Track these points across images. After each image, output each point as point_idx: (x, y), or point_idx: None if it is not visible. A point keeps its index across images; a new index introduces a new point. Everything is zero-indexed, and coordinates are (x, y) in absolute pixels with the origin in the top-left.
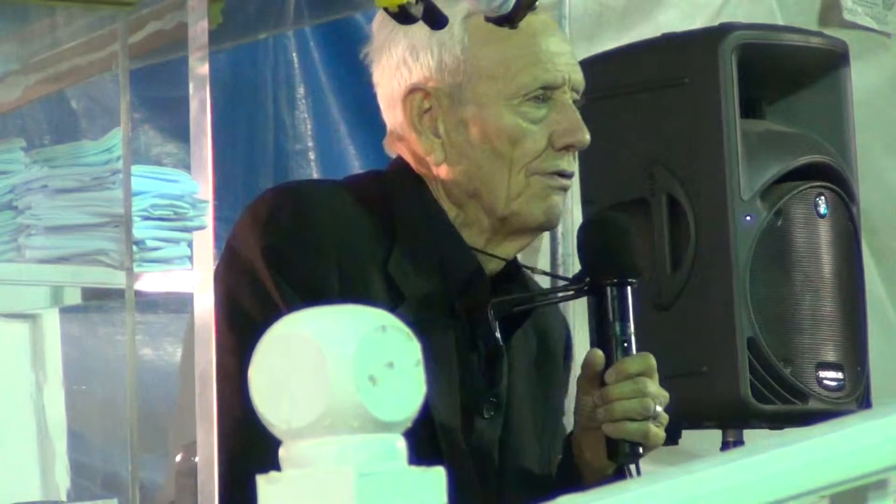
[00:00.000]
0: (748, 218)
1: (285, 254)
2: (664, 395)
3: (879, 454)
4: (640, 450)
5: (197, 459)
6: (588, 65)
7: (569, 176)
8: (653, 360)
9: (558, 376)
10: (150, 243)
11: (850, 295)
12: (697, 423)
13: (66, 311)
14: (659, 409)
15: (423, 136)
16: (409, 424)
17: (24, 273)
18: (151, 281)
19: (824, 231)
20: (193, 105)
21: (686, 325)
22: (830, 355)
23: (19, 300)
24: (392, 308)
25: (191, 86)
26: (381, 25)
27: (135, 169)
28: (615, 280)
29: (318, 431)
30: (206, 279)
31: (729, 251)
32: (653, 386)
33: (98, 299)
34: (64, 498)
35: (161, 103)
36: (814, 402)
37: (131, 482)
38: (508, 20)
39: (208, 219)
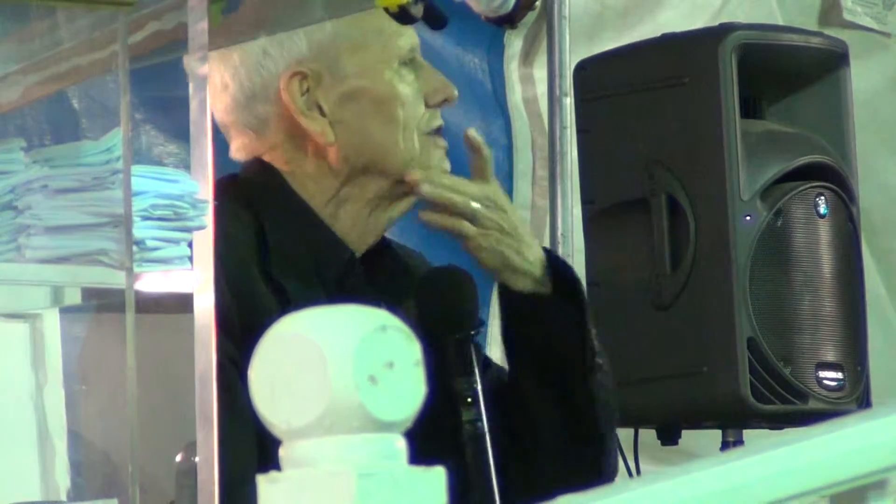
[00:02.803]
0: (748, 218)
1: None
2: (485, 197)
3: (879, 454)
4: None
5: (197, 459)
6: (588, 65)
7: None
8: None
9: None
10: (150, 243)
11: (850, 295)
12: (697, 423)
13: (66, 311)
14: (476, 205)
15: (310, 118)
16: (409, 424)
17: (24, 273)
18: (151, 281)
19: (824, 231)
20: (193, 105)
21: (686, 325)
22: (830, 355)
23: (19, 300)
24: (282, 311)
25: (191, 86)
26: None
27: (135, 169)
28: (455, 336)
29: (318, 431)
30: (206, 279)
31: (729, 251)
32: (471, 187)
33: (98, 299)
34: (64, 498)
35: (161, 103)
36: (814, 402)
37: (131, 482)
38: (509, 20)
39: (208, 219)
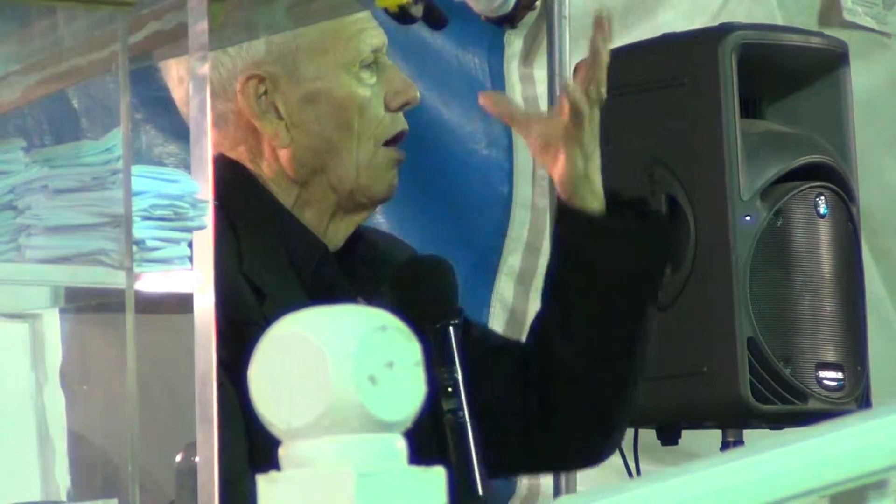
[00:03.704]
0: (748, 218)
1: None
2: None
3: (879, 454)
4: None
5: (197, 459)
6: None
7: (401, 137)
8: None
9: None
10: (150, 243)
11: (850, 295)
12: (697, 423)
13: (66, 311)
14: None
15: (264, 121)
16: (409, 424)
17: (24, 273)
18: (151, 281)
19: (824, 231)
20: (193, 105)
21: (686, 325)
22: (830, 355)
23: (19, 300)
24: (260, 307)
25: (191, 86)
26: None
27: (135, 169)
28: (435, 325)
29: (318, 431)
30: (206, 279)
31: (729, 251)
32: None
33: (98, 299)
34: (64, 498)
35: (161, 103)
36: (814, 402)
37: (131, 482)
38: (509, 20)
39: (208, 219)
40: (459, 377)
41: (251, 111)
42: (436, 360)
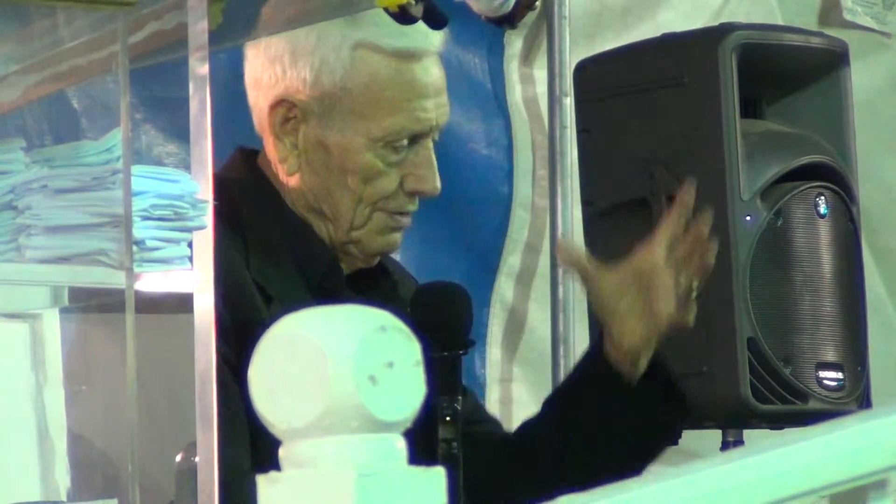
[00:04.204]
0: (748, 218)
1: None
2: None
3: (879, 454)
4: None
5: (197, 459)
6: (588, 65)
7: (410, 214)
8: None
9: None
10: (150, 243)
11: (850, 295)
12: (697, 423)
13: (66, 311)
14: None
15: (280, 144)
16: (408, 424)
17: (24, 273)
18: (151, 281)
19: (824, 231)
20: (193, 105)
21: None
22: (830, 355)
23: (19, 300)
24: (268, 309)
25: (191, 86)
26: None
27: (135, 169)
28: (443, 353)
29: (318, 431)
30: (206, 279)
31: (729, 251)
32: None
33: (98, 299)
34: (64, 498)
35: (161, 103)
36: (814, 402)
37: (131, 482)
38: (509, 20)
39: (208, 219)
40: (460, 408)
41: (270, 128)
42: (440, 388)
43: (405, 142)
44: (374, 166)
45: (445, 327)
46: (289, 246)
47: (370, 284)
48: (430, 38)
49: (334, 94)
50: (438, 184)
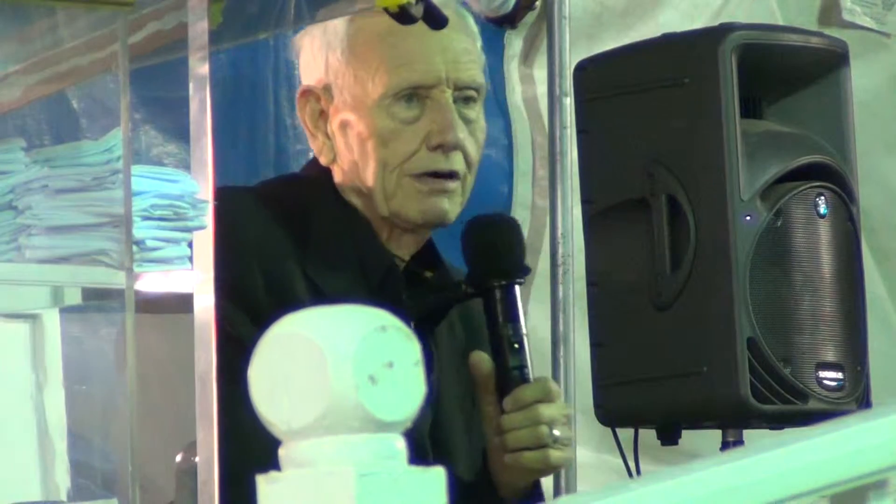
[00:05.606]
0: (748, 218)
1: None
2: (563, 416)
3: (879, 454)
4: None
5: (197, 459)
6: (588, 65)
7: (446, 176)
8: (551, 385)
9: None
10: (150, 243)
11: (850, 295)
12: (697, 423)
13: (66, 311)
14: (557, 432)
15: (314, 140)
16: (408, 424)
17: (24, 273)
18: (151, 281)
19: (824, 231)
20: (193, 105)
21: (686, 325)
22: (830, 355)
23: (19, 300)
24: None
25: (191, 86)
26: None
27: (135, 169)
28: (502, 281)
29: (318, 431)
30: (206, 279)
31: (729, 251)
32: (549, 410)
33: (98, 299)
34: (64, 498)
35: (161, 103)
36: (814, 402)
37: (131, 482)
38: (509, 20)
39: (208, 219)
40: (524, 333)
41: (306, 126)
42: (504, 316)
43: (412, 94)
44: (387, 126)
45: (501, 256)
46: (352, 246)
47: (426, 284)
48: None
49: (340, 71)
50: (459, 134)
